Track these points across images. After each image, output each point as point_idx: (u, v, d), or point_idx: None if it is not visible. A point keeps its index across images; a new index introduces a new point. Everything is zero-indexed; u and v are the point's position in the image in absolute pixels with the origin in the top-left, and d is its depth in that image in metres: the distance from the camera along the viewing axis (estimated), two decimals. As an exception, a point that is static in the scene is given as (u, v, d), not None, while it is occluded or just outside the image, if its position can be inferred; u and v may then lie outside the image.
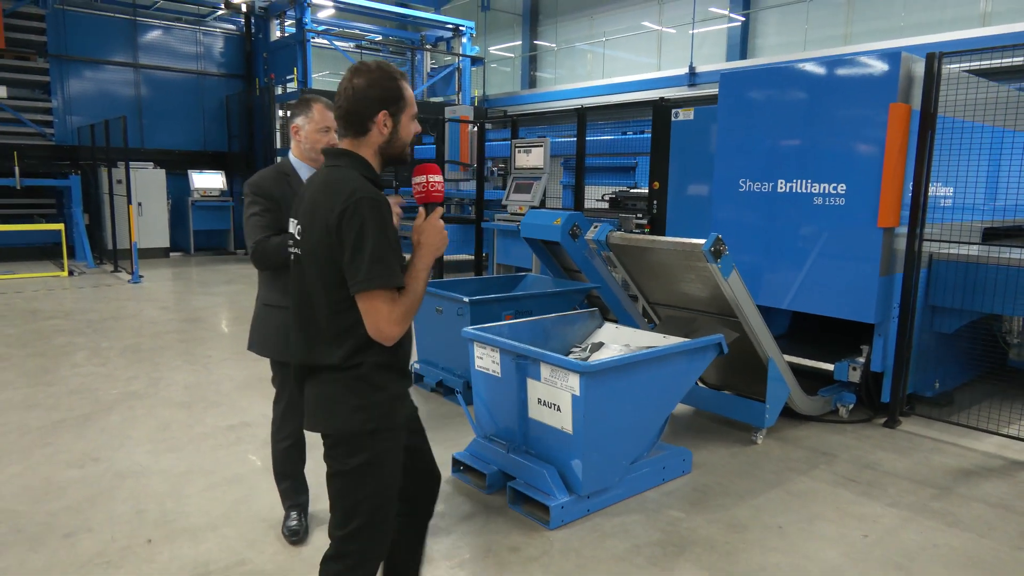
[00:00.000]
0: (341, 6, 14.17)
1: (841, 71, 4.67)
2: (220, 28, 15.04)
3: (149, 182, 13.01)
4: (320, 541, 3.00)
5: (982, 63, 5.00)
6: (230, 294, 9.70)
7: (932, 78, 4.43)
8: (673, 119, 7.09)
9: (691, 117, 6.77)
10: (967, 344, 5.51)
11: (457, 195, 10.52)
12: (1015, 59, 7.53)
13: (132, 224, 10.69)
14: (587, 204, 14.01)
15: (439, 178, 1.98)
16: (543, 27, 19.48)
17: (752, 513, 3.47)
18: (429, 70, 16.95)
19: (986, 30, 10.35)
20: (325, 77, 22.61)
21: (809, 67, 4.86)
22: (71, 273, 10.99)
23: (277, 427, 3.11)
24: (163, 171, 13.34)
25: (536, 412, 3.43)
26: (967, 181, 5.05)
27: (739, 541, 3.20)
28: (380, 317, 1.82)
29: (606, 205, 11.48)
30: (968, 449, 4.38)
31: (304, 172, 2.94)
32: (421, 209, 1.97)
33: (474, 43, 16.63)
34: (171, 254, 13.75)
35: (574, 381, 3.18)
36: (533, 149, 8.81)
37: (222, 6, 14.01)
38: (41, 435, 4.30)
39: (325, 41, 15.59)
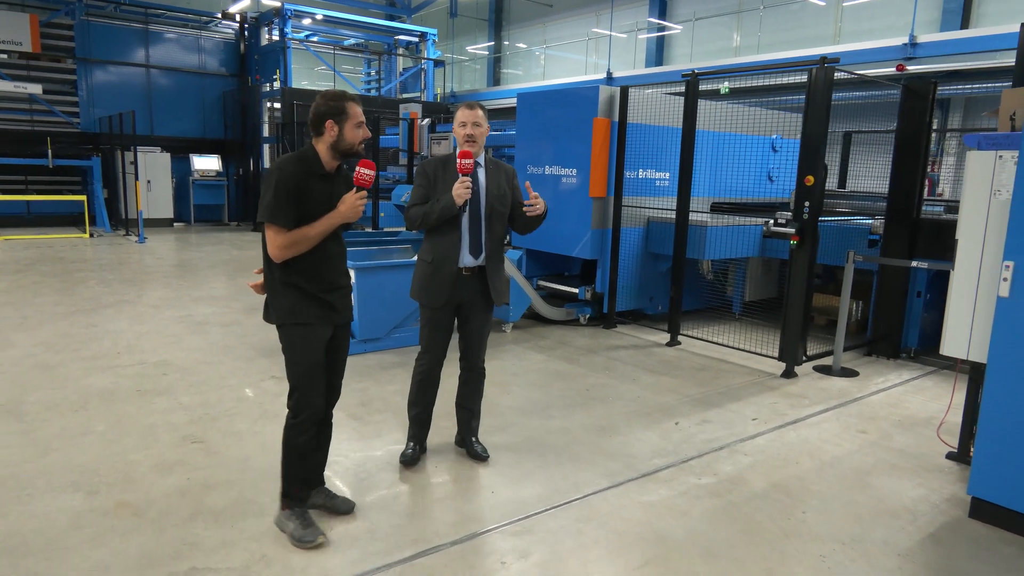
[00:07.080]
0: (321, 16, 16.77)
1: (574, 95, 7.17)
2: (219, 34, 17.73)
3: (157, 163, 15.79)
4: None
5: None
6: (213, 252, 12.41)
7: (624, 100, 6.90)
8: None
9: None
10: (702, 283, 7.98)
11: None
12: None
13: (139, 197, 13.46)
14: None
15: (368, 171, 2.71)
16: (507, 31, 22.01)
17: (461, 355, 6.02)
18: (402, 70, 19.53)
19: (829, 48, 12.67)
20: (323, 71, 25.30)
21: (561, 90, 7.38)
22: (91, 235, 13.79)
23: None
24: (168, 155, 16.10)
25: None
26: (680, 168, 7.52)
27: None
28: (269, 242, 2.68)
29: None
30: (637, 338, 6.90)
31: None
32: (354, 189, 2.75)
33: (445, 45, 19.14)
34: (175, 224, 16.53)
35: (352, 273, 5.75)
36: (443, 141, 11.33)
37: (220, 15, 16.71)
38: (64, 315, 7.00)
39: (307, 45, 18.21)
